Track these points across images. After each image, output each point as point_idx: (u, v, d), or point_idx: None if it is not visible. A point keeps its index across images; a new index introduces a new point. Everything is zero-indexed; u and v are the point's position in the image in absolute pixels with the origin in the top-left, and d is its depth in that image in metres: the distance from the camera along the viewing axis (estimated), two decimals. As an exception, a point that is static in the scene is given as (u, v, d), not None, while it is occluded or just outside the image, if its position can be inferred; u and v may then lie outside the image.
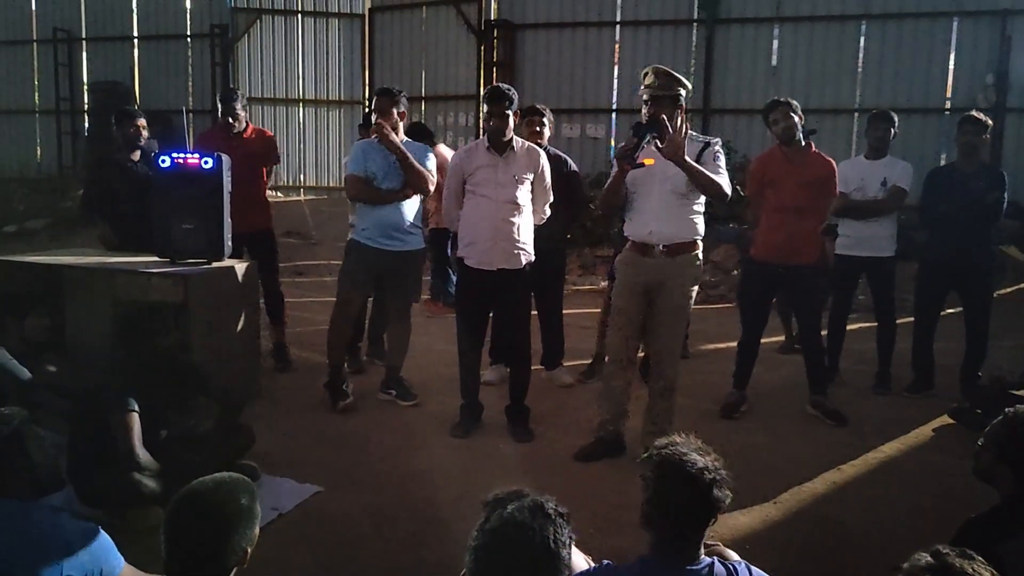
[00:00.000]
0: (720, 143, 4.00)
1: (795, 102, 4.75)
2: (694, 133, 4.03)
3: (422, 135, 7.53)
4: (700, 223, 4.00)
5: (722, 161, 3.91)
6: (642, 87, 3.92)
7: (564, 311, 5.57)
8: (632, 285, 4.05)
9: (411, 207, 4.78)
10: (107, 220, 5.34)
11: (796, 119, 4.66)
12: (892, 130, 5.20)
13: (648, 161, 3.76)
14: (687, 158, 3.73)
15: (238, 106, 5.41)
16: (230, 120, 5.37)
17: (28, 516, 2.11)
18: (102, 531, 2.18)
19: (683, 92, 3.92)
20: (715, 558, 1.99)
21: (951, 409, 4.73)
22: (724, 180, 3.85)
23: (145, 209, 4.77)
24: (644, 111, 3.88)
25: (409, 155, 4.62)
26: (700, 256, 4.03)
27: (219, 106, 5.52)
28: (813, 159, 4.72)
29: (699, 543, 1.96)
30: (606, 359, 4.38)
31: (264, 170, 5.66)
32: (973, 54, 10.21)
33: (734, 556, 2.15)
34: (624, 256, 4.12)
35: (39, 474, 2.26)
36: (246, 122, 5.53)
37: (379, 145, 4.68)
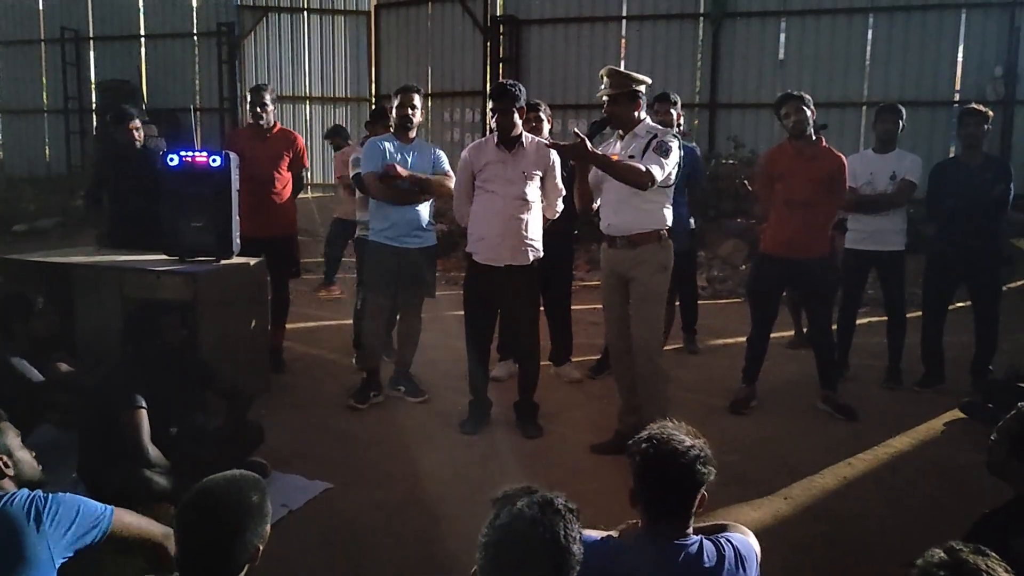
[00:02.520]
0: (672, 135, 3.96)
1: (807, 96, 4.71)
2: (653, 126, 4.03)
3: (339, 133, 8.22)
4: (662, 213, 4.01)
5: (666, 152, 3.83)
6: (600, 88, 4.02)
7: (572, 307, 5.58)
8: (607, 276, 4.19)
9: (427, 204, 4.82)
10: (106, 218, 5.34)
11: (808, 113, 4.63)
12: (900, 123, 5.18)
13: (614, 156, 3.91)
14: (594, 149, 3.75)
15: (267, 97, 5.39)
16: (258, 110, 5.36)
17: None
18: (69, 494, 2.17)
19: (636, 87, 3.96)
20: (702, 536, 2.02)
21: (962, 403, 4.72)
22: (654, 169, 3.76)
23: (146, 208, 4.79)
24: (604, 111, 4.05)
25: (423, 177, 4.65)
26: (665, 245, 4.04)
27: (248, 97, 5.50)
28: (823, 153, 4.68)
29: (687, 519, 2.00)
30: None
31: (287, 173, 5.49)
32: (982, 46, 10.14)
33: (746, 536, 2.12)
34: (601, 249, 4.27)
35: (18, 471, 2.26)
36: (275, 120, 5.50)
37: (397, 143, 4.69)
